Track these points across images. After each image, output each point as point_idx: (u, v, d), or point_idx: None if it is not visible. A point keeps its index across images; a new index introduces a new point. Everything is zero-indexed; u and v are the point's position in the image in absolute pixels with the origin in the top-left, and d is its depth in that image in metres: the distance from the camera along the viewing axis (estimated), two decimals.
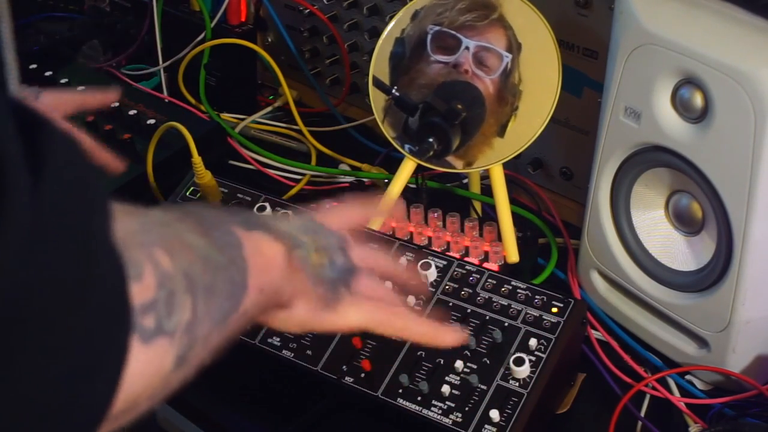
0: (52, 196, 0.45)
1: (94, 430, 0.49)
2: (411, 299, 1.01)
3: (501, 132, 1.10)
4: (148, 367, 0.53)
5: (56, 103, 1.02)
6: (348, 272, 0.75)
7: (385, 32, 1.14)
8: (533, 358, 0.94)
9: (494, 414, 0.91)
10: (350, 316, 0.76)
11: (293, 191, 1.33)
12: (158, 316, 0.53)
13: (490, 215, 1.21)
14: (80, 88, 1.35)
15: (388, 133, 1.14)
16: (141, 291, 0.52)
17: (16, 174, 0.43)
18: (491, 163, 1.11)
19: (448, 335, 0.80)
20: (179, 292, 0.56)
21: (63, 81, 1.42)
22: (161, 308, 0.54)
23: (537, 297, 0.99)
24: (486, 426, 0.91)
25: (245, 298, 0.64)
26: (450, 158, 1.12)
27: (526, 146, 1.10)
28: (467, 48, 1.10)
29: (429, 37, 1.12)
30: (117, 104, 1.37)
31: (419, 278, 0.97)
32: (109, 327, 0.49)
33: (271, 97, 1.51)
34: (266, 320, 0.74)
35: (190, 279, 0.57)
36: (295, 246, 0.71)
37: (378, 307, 0.78)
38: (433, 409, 0.93)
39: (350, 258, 0.76)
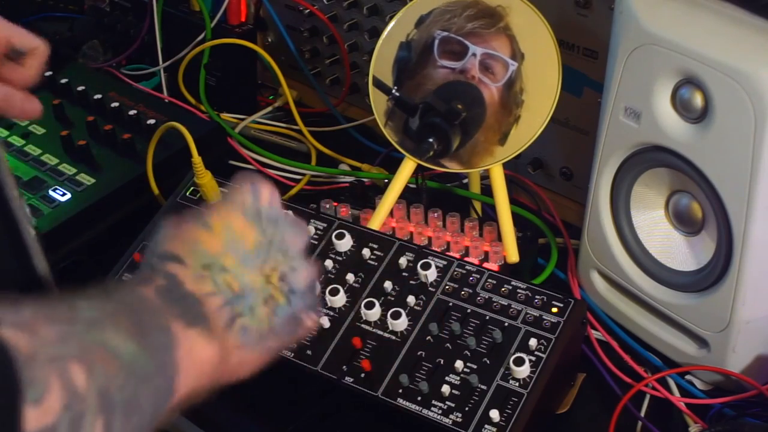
0: None
1: None
2: (411, 299, 1.01)
3: (503, 141, 1.10)
4: None
5: None
6: (308, 294, 0.71)
7: (386, 32, 1.14)
8: (533, 358, 0.94)
9: (494, 414, 0.91)
10: (302, 334, 0.73)
11: (293, 191, 1.33)
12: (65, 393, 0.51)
13: (490, 215, 1.21)
14: (80, 87, 1.36)
15: (391, 137, 1.14)
16: (39, 415, 0.49)
17: None
18: (491, 162, 1.11)
19: None
20: (89, 413, 0.53)
21: (63, 81, 1.42)
22: (68, 425, 0.51)
23: (537, 297, 0.99)
24: (486, 426, 0.91)
25: (171, 401, 0.61)
26: (452, 165, 1.12)
27: (526, 146, 1.10)
28: (474, 55, 1.10)
29: (436, 42, 1.12)
30: (117, 104, 1.37)
31: None
32: None
33: (271, 97, 1.51)
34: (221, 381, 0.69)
35: (106, 397, 0.54)
36: (237, 316, 0.66)
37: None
38: (433, 409, 0.93)
39: (310, 270, 0.71)
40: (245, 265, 0.68)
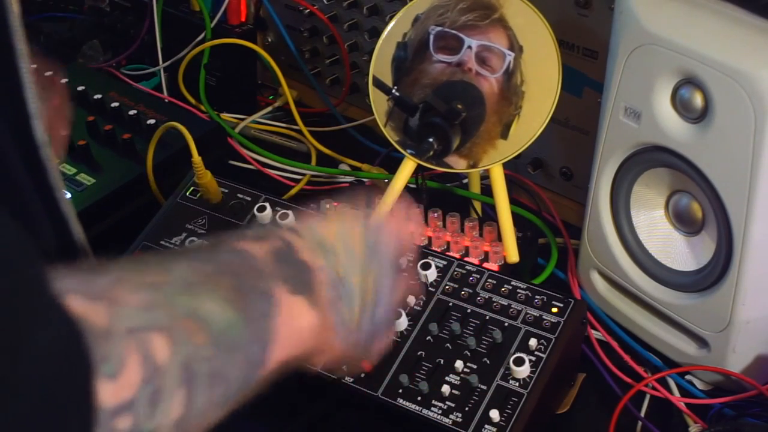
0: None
1: None
2: (411, 299, 1.01)
3: (504, 133, 1.10)
4: None
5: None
6: (385, 325, 0.72)
7: (385, 32, 1.14)
8: (533, 358, 0.94)
9: (494, 414, 0.91)
10: (370, 355, 0.74)
11: (293, 191, 1.33)
12: (137, 417, 0.50)
13: (490, 215, 1.21)
14: (80, 87, 1.36)
15: (392, 137, 1.14)
16: (116, 391, 0.48)
17: None
18: (491, 163, 1.11)
19: None
20: (170, 386, 0.52)
21: (63, 81, 1.42)
22: (142, 408, 0.50)
23: (537, 297, 0.99)
24: (486, 426, 0.91)
25: (259, 373, 0.61)
26: (454, 159, 1.12)
27: (526, 146, 1.10)
28: (470, 47, 1.10)
29: (431, 37, 1.12)
30: (117, 104, 1.37)
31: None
32: (71, 415, 0.45)
33: (271, 97, 1.51)
34: (302, 363, 0.69)
35: (190, 369, 0.53)
36: (338, 299, 0.67)
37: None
38: (433, 409, 0.93)
39: (394, 298, 0.72)
40: (350, 258, 0.69)
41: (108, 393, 0.47)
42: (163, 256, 0.58)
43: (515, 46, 1.09)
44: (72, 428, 0.46)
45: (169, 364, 0.52)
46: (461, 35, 1.10)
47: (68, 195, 1.22)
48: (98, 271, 0.54)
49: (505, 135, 1.10)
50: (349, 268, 0.69)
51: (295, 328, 0.64)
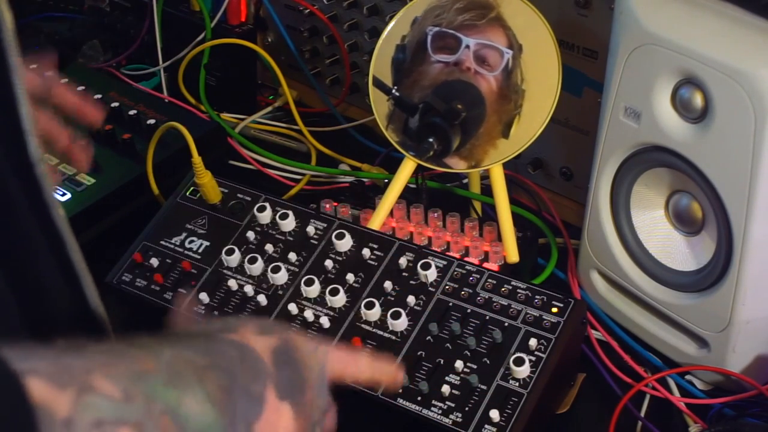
0: None
1: None
2: (411, 299, 1.01)
3: (506, 132, 1.10)
4: None
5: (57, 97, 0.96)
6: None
7: (385, 32, 1.14)
8: (533, 358, 0.94)
9: (494, 414, 0.91)
10: None
11: (293, 191, 1.33)
12: None
13: (490, 215, 1.21)
14: (80, 87, 1.36)
15: (393, 138, 1.14)
16: None
17: None
18: (491, 163, 1.11)
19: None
20: None
21: (63, 81, 1.42)
22: None
23: (537, 297, 0.99)
24: (486, 426, 0.91)
25: None
26: (455, 159, 1.12)
27: (526, 146, 1.10)
28: (467, 46, 1.10)
29: (429, 38, 1.12)
30: (117, 104, 1.37)
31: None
32: None
33: (271, 97, 1.51)
34: None
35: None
36: (318, 418, 0.66)
37: None
38: (433, 409, 0.93)
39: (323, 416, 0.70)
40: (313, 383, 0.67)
41: None
42: (157, 339, 0.56)
43: (514, 45, 1.09)
44: None
45: None
46: (459, 35, 1.10)
47: (68, 196, 1.23)
48: (79, 351, 0.51)
49: (506, 134, 1.10)
50: (318, 390, 0.67)
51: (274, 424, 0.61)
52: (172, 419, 0.52)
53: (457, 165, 1.13)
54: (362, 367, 0.74)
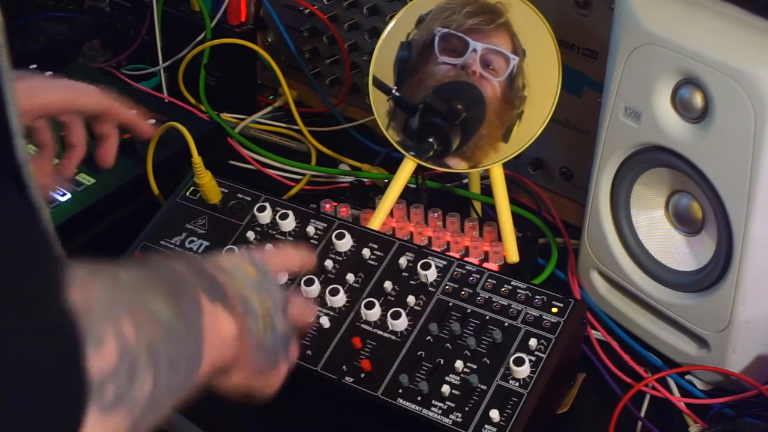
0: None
1: None
2: (411, 299, 1.01)
3: (506, 137, 1.10)
4: None
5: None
6: (286, 340, 0.77)
7: (385, 32, 1.14)
8: (533, 358, 0.94)
9: (494, 414, 0.91)
10: (274, 380, 0.78)
11: (293, 191, 1.33)
12: (118, 388, 0.53)
13: (490, 215, 1.21)
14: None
15: (393, 138, 1.14)
16: (100, 361, 0.51)
17: None
18: (491, 163, 1.11)
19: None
20: (141, 365, 0.56)
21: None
22: (122, 380, 0.53)
23: (537, 297, 0.99)
24: (486, 426, 0.91)
25: (197, 371, 0.65)
26: (455, 159, 1.12)
27: (526, 146, 1.10)
28: (474, 50, 1.10)
29: (437, 39, 1.12)
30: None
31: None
32: (64, 398, 0.48)
33: (271, 97, 1.51)
34: (208, 382, 0.72)
35: (153, 352, 0.57)
36: (246, 313, 0.72)
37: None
38: (433, 409, 0.93)
39: (289, 322, 0.77)
40: (246, 281, 0.74)
41: (94, 363, 0.50)
42: (105, 266, 0.62)
43: (519, 50, 1.09)
44: (69, 397, 0.48)
45: (137, 345, 0.55)
46: (467, 38, 1.11)
47: (68, 196, 1.23)
48: (71, 263, 0.57)
49: (506, 138, 1.10)
50: (248, 289, 0.73)
51: (218, 333, 0.68)
52: (148, 313, 0.59)
53: (457, 165, 1.13)
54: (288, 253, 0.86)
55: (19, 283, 0.47)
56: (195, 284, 0.68)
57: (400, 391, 0.95)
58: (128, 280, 0.61)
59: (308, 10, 1.43)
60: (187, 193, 1.17)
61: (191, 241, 1.12)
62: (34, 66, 1.48)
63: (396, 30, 1.14)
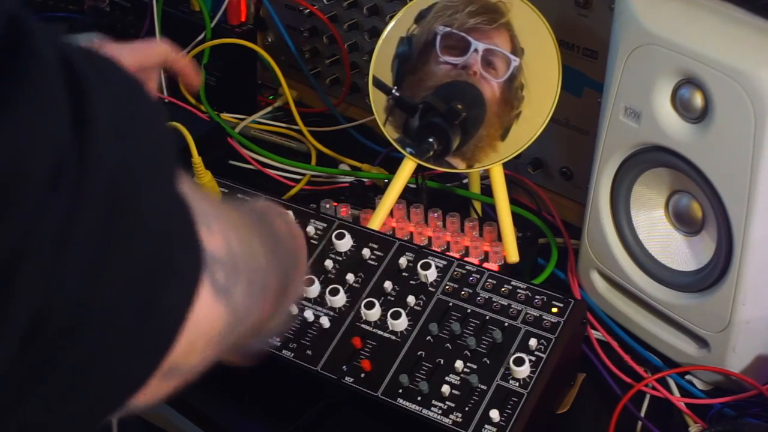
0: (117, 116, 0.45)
1: (164, 351, 0.47)
2: (411, 299, 1.01)
3: (504, 136, 1.10)
4: (207, 318, 0.51)
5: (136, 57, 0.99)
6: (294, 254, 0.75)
7: (385, 32, 1.14)
8: (533, 358, 0.94)
9: (494, 414, 0.91)
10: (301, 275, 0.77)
11: (293, 191, 1.33)
12: (227, 276, 0.52)
13: (490, 215, 1.21)
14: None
15: (390, 134, 1.14)
16: (211, 244, 0.51)
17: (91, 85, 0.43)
18: (491, 163, 1.11)
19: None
20: (241, 267, 0.55)
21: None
22: (228, 270, 0.53)
23: (537, 297, 0.99)
24: (486, 426, 0.91)
25: (267, 305, 0.63)
26: (455, 159, 1.12)
27: (526, 146, 1.10)
28: (476, 50, 1.10)
29: (438, 38, 1.12)
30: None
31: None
32: (181, 261, 0.48)
33: (271, 97, 1.51)
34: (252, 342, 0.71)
35: (248, 265, 0.57)
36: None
37: None
38: (433, 409, 0.93)
39: (284, 224, 0.76)
40: None
41: (206, 242, 0.50)
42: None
43: (518, 50, 1.09)
44: (186, 263, 0.48)
45: (239, 245, 0.55)
46: (469, 38, 1.11)
47: None
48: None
49: (504, 138, 1.10)
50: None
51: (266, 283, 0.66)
52: (241, 232, 0.58)
53: (457, 165, 1.13)
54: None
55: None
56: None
57: (400, 391, 0.95)
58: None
59: (308, 10, 1.43)
60: None
61: None
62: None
63: (396, 30, 1.14)
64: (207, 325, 0.51)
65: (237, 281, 0.54)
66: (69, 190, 0.41)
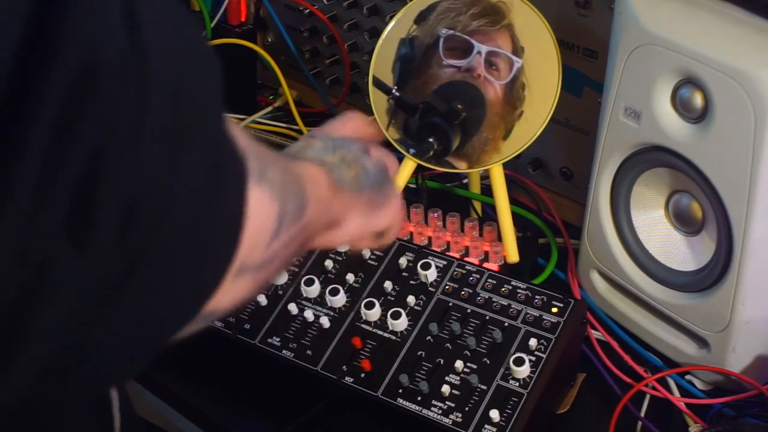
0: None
1: (231, 254, 0.51)
2: (411, 299, 1.01)
3: (507, 136, 1.10)
4: (259, 209, 0.54)
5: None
6: (382, 170, 0.78)
7: (385, 32, 1.14)
8: (533, 358, 0.94)
9: (494, 414, 0.91)
10: (397, 204, 0.80)
11: None
12: (259, 163, 0.55)
13: (490, 215, 1.21)
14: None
15: (391, 135, 1.14)
16: (260, 194, 0.54)
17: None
18: (491, 162, 1.11)
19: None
20: (268, 163, 0.58)
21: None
22: (256, 159, 0.55)
23: (537, 297, 0.99)
24: (486, 426, 0.91)
25: (308, 205, 0.65)
26: (455, 159, 1.12)
27: (526, 146, 1.10)
28: (479, 53, 1.10)
29: (441, 41, 1.12)
30: None
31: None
32: (225, 144, 0.51)
33: (271, 97, 1.51)
34: (326, 242, 0.75)
35: (273, 159, 0.60)
36: (329, 170, 0.73)
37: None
38: (433, 409, 0.93)
39: (377, 155, 0.78)
40: (323, 152, 0.75)
41: (255, 195, 0.53)
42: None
43: (519, 50, 1.09)
44: (236, 162, 0.52)
45: (288, 199, 0.59)
46: (472, 40, 1.11)
47: None
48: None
49: (507, 138, 1.10)
50: (320, 153, 0.74)
51: (312, 177, 0.69)
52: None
53: (457, 165, 1.13)
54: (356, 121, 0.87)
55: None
56: (282, 156, 0.70)
57: (400, 391, 0.95)
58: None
59: (308, 10, 1.43)
60: None
61: None
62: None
63: (396, 30, 1.14)
64: (260, 216, 0.55)
65: (266, 163, 0.57)
66: (135, 84, 0.44)
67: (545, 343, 0.95)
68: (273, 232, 0.57)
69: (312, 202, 0.66)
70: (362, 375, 0.97)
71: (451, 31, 1.11)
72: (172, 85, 0.46)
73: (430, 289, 1.02)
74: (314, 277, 1.04)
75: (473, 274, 1.02)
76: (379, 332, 1.00)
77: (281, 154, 0.72)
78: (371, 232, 0.79)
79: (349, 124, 0.84)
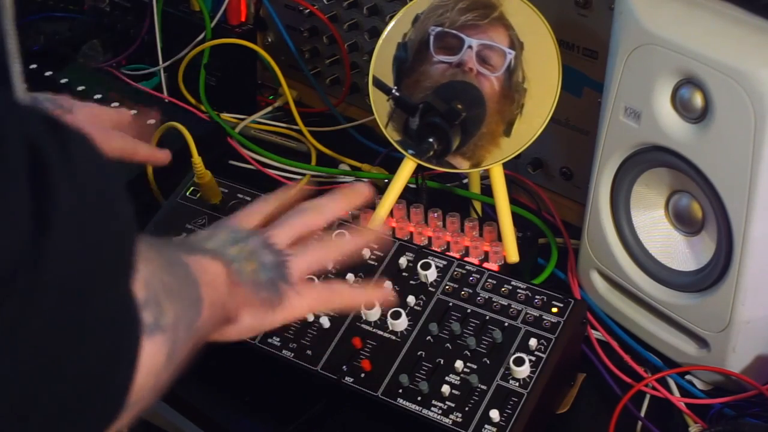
0: (81, 190, 0.49)
1: (118, 412, 0.53)
2: (411, 299, 1.01)
3: (508, 131, 1.10)
4: (149, 360, 0.56)
5: (91, 117, 1.04)
6: (280, 266, 0.78)
7: (385, 32, 1.14)
8: (533, 358, 0.94)
9: (494, 414, 0.91)
10: (296, 306, 0.79)
11: None
12: (154, 313, 0.57)
13: (490, 215, 1.21)
14: (114, 104, 1.36)
15: (392, 136, 1.14)
16: (138, 288, 0.55)
17: (56, 168, 0.47)
18: (491, 162, 1.11)
19: (377, 293, 0.92)
20: (161, 294, 0.59)
21: (63, 81, 1.42)
22: (153, 306, 0.57)
23: (537, 297, 0.99)
24: (486, 426, 0.91)
25: (202, 311, 0.67)
26: (458, 159, 1.12)
27: (526, 146, 1.10)
28: (470, 47, 1.10)
29: (431, 38, 1.12)
30: (117, 104, 1.36)
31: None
32: (124, 314, 0.53)
33: (271, 97, 1.51)
34: (219, 336, 0.76)
35: (165, 285, 0.60)
36: (228, 262, 0.74)
37: (319, 289, 0.83)
38: (433, 409, 0.93)
39: (278, 251, 0.78)
40: (223, 244, 0.77)
41: (136, 289, 0.55)
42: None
43: (516, 44, 1.09)
44: (127, 313, 0.54)
45: (152, 277, 0.59)
46: (461, 35, 1.10)
47: None
48: None
49: (508, 133, 1.10)
50: (221, 245, 0.76)
51: (209, 274, 0.71)
52: (149, 259, 0.62)
53: (460, 164, 1.13)
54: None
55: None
56: (177, 250, 0.71)
57: (400, 391, 0.95)
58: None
59: (308, 10, 1.43)
60: (187, 193, 1.17)
61: None
62: (34, 66, 1.48)
63: (396, 30, 1.14)
64: (148, 367, 0.56)
65: (162, 306, 0.59)
66: (24, 289, 0.45)
67: (545, 343, 0.95)
68: (164, 365, 0.59)
69: (206, 306, 0.68)
70: (362, 375, 0.97)
71: (440, 28, 1.11)
72: (69, 285, 0.48)
73: (430, 289, 1.02)
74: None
75: (473, 274, 1.02)
76: (379, 332, 1.00)
77: (185, 247, 0.73)
78: (268, 329, 0.81)
79: (247, 216, 0.84)
